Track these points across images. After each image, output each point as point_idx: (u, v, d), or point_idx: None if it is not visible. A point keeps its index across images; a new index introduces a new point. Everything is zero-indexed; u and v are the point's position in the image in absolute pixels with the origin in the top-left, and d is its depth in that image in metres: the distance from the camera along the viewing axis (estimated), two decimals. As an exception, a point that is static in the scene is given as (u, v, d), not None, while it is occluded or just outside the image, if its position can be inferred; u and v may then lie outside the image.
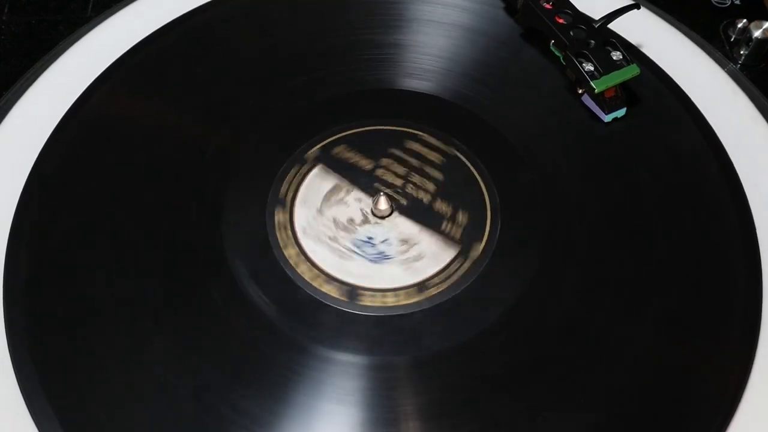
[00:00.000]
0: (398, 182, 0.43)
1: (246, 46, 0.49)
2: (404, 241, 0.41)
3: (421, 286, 0.39)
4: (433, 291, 0.39)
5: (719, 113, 0.46)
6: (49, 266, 0.40)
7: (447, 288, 0.39)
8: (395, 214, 0.42)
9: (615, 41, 0.44)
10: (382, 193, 0.42)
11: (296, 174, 0.43)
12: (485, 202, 0.42)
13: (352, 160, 0.44)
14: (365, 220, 0.42)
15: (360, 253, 0.41)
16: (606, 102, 0.45)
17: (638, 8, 0.47)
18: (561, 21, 0.46)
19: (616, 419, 0.36)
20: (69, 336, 0.38)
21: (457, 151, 0.44)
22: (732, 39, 0.51)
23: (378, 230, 0.42)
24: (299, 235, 0.41)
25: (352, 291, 0.39)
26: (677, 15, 0.52)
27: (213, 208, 0.42)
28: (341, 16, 0.50)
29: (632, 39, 0.49)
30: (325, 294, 0.39)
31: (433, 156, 0.44)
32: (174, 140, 0.45)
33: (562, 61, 0.46)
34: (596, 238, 0.41)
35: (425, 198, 0.42)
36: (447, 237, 0.41)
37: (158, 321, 0.38)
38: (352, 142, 0.44)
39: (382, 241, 0.41)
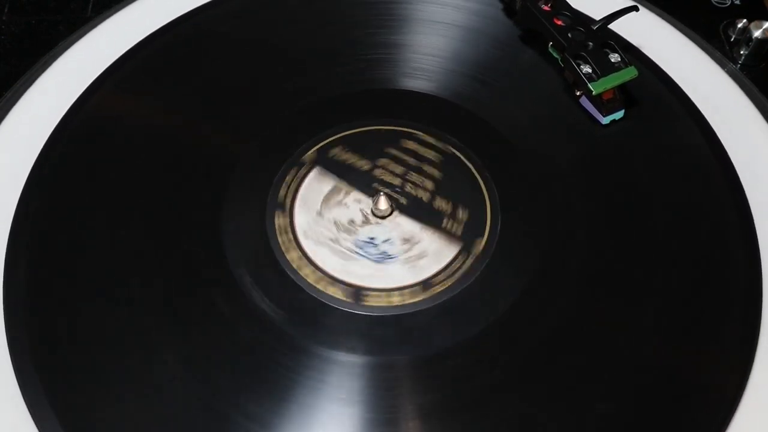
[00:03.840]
0: (397, 181, 0.43)
1: (245, 47, 0.49)
2: (406, 240, 0.41)
3: (425, 283, 0.40)
4: (438, 289, 0.39)
5: (719, 113, 0.46)
6: (49, 267, 0.40)
7: (450, 286, 0.39)
8: (396, 213, 0.42)
9: (613, 43, 0.44)
10: (381, 193, 0.42)
11: (294, 177, 0.43)
12: (485, 201, 0.42)
13: (349, 162, 0.44)
14: (366, 221, 0.42)
15: (363, 254, 0.41)
16: (604, 104, 0.45)
17: (637, 10, 0.47)
18: (559, 23, 0.46)
19: (616, 418, 0.36)
20: (69, 336, 0.38)
21: (456, 149, 0.44)
22: (732, 39, 0.51)
23: (379, 230, 0.42)
24: (300, 238, 0.41)
25: (357, 292, 0.39)
26: (677, 15, 0.52)
27: (213, 211, 0.42)
28: (341, 16, 0.50)
29: (632, 39, 0.49)
30: (331, 296, 0.39)
31: (431, 155, 0.44)
32: (174, 141, 0.45)
33: (560, 62, 0.46)
34: (596, 239, 0.41)
35: (424, 196, 0.43)
36: (448, 234, 0.41)
37: (158, 322, 0.38)
38: (350, 143, 0.45)
39: (384, 241, 0.41)
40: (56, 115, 0.45)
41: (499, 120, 0.45)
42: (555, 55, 0.46)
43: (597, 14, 0.47)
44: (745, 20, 0.51)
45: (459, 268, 0.40)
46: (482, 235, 0.41)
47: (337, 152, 0.44)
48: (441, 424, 0.36)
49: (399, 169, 0.44)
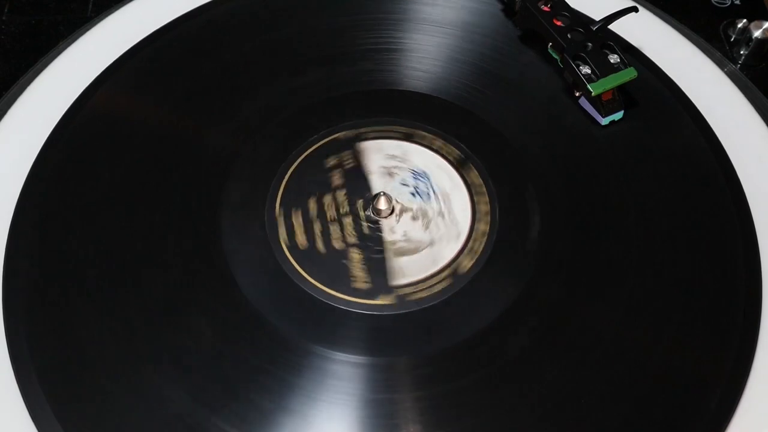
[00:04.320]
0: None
1: (246, 47, 0.49)
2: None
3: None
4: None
5: (719, 113, 0.46)
6: (48, 267, 0.40)
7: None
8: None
9: (612, 44, 0.44)
10: (382, 193, 0.42)
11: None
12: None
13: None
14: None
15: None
16: (603, 105, 0.45)
17: (636, 11, 0.47)
18: (559, 23, 0.46)
19: (616, 420, 0.36)
20: (68, 336, 0.38)
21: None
22: (732, 39, 0.51)
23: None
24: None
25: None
26: (677, 15, 0.52)
27: (212, 208, 0.42)
28: (342, 15, 0.50)
29: (632, 40, 0.49)
30: (329, 294, 0.39)
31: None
32: (174, 140, 0.45)
33: (559, 63, 0.46)
34: (595, 239, 0.41)
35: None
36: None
37: (158, 322, 0.38)
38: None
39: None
40: (56, 115, 0.45)
41: (498, 121, 0.45)
42: (554, 55, 0.46)
43: (597, 15, 0.47)
44: (745, 20, 0.51)
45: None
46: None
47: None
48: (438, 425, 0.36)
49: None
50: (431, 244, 0.41)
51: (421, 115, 0.46)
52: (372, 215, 0.42)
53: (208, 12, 0.51)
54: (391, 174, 0.43)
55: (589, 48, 0.44)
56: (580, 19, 0.46)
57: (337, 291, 0.39)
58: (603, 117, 0.45)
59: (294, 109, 0.46)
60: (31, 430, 0.36)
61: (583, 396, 0.36)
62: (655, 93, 0.47)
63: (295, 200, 0.43)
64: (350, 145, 0.44)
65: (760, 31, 0.50)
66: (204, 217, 0.42)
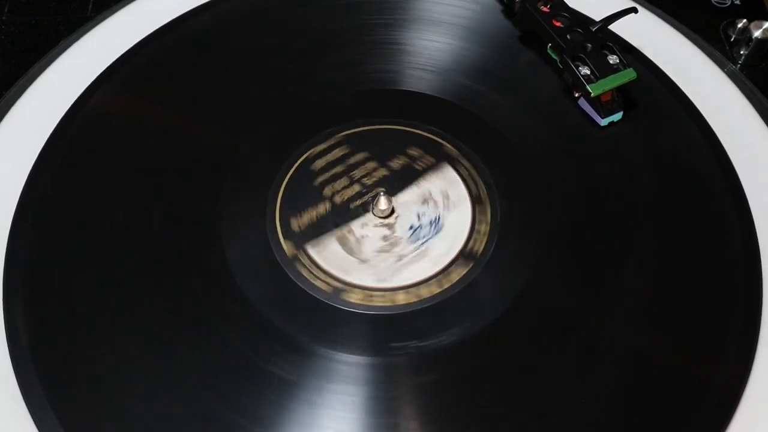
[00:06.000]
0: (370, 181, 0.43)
1: (246, 46, 0.49)
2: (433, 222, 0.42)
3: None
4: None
5: (719, 113, 0.46)
6: (48, 266, 0.40)
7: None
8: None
9: (612, 45, 0.44)
10: (381, 193, 0.42)
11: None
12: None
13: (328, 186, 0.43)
14: (390, 226, 0.42)
15: (423, 238, 0.41)
16: (602, 106, 0.45)
17: (636, 12, 0.47)
18: (558, 24, 0.46)
19: (615, 419, 0.36)
20: (68, 335, 0.38)
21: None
22: (732, 39, 0.51)
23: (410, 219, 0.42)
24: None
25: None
26: (677, 16, 0.52)
27: (213, 207, 0.42)
28: (342, 16, 0.50)
29: (632, 40, 0.49)
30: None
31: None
32: (174, 140, 0.45)
33: (559, 64, 0.46)
34: (595, 240, 0.41)
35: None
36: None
37: (158, 320, 0.38)
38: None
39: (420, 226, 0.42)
40: (56, 115, 0.45)
41: (498, 121, 0.45)
42: (554, 56, 0.46)
43: (597, 15, 0.47)
44: (745, 20, 0.51)
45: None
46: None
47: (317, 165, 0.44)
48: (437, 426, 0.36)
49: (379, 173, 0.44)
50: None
51: (421, 115, 0.46)
52: (372, 215, 0.42)
53: (208, 12, 0.51)
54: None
55: (589, 49, 0.44)
56: (579, 19, 0.46)
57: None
58: (602, 118, 0.45)
59: (295, 109, 0.46)
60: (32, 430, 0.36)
61: (583, 396, 0.36)
62: (655, 93, 0.47)
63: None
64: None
65: (760, 31, 0.49)
66: (204, 217, 0.42)
